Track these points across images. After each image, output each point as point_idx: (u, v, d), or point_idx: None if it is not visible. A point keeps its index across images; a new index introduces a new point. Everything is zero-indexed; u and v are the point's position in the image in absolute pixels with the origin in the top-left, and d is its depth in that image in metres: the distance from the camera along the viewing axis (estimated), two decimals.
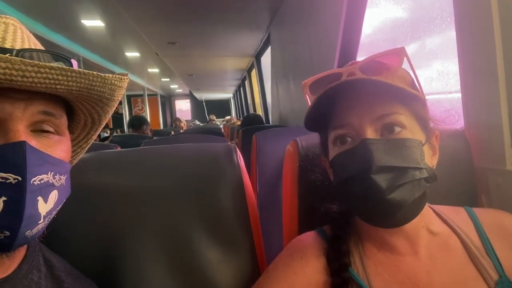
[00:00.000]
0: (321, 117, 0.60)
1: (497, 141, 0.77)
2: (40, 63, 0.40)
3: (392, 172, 0.51)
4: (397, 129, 0.54)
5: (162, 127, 12.72)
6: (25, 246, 0.51)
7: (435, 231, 0.60)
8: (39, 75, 0.40)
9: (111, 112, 0.55)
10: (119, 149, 1.33)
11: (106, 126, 10.46)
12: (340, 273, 0.57)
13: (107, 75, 0.46)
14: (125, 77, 0.49)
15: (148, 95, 12.33)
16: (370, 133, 0.54)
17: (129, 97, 13.86)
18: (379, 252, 0.60)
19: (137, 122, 3.61)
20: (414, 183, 0.53)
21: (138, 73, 9.48)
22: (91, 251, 0.65)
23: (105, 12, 4.20)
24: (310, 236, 0.65)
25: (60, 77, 0.41)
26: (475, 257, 0.58)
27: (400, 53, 0.57)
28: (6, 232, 0.40)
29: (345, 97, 0.57)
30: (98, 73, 0.45)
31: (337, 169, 0.57)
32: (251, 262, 0.71)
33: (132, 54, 6.81)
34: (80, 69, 0.43)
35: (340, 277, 0.57)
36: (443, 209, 0.64)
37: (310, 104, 0.62)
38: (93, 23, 4.62)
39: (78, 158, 0.60)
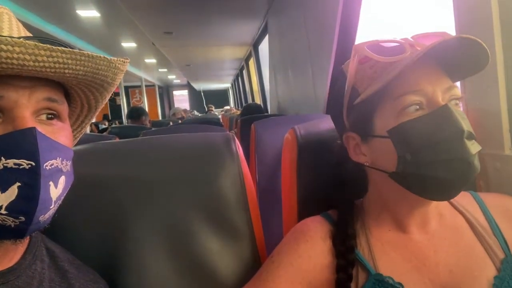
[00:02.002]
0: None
1: (495, 126, 0.77)
2: (53, 47, 0.40)
3: (472, 139, 0.53)
4: (457, 102, 0.56)
5: (160, 118, 12.69)
6: (28, 237, 0.51)
7: (443, 212, 0.62)
8: (50, 59, 0.40)
9: (108, 97, 0.55)
10: (117, 140, 1.33)
11: (105, 117, 10.46)
12: (346, 255, 0.58)
13: (112, 58, 0.47)
14: (127, 61, 0.50)
15: (146, 86, 12.28)
16: (442, 101, 0.53)
17: (126, 88, 13.80)
18: (390, 232, 0.61)
19: (136, 113, 3.60)
20: (477, 153, 0.54)
21: (135, 64, 9.42)
22: (91, 242, 0.65)
23: (100, 2, 4.16)
24: (315, 220, 0.65)
25: (69, 61, 0.42)
26: (481, 237, 0.59)
27: (445, 36, 0.56)
28: (22, 217, 0.41)
29: (417, 63, 0.53)
30: (105, 56, 0.45)
31: (411, 137, 0.53)
32: (251, 250, 0.72)
33: (128, 44, 6.75)
34: (88, 52, 0.43)
35: (345, 259, 0.58)
36: None
37: (353, 70, 0.59)
38: (89, 13, 4.57)
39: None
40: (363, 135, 0.61)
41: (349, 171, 0.67)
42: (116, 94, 13.40)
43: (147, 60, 8.84)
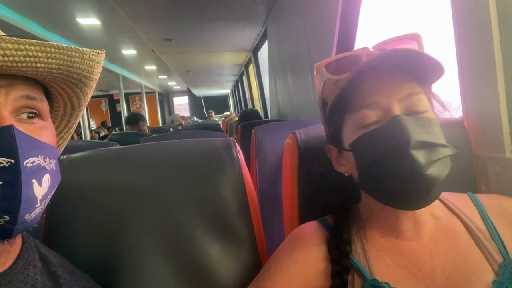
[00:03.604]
0: (341, 100, 0.58)
1: (495, 129, 0.77)
2: (20, 39, 0.40)
3: (427, 148, 0.51)
4: (422, 108, 0.55)
5: (160, 125, 12.72)
6: (20, 242, 0.51)
7: (438, 216, 0.61)
8: (19, 52, 0.40)
9: (90, 94, 0.54)
10: (118, 147, 1.33)
11: (103, 124, 10.47)
12: (341, 260, 0.58)
13: (85, 49, 0.46)
14: (102, 52, 0.49)
15: (146, 92, 12.30)
16: (398, 112, 0.53)
17: (127, 95, 13.84)
18: (383, 238, 0.60)
19: (134, 119, 3.60)
20: (444, 160, 0.53)
21: (135, 71, 9.45)
22: (90, 248, 0.65)
23: (101, 10, 4.18)
24: (311, 226, 0.65)
25: (40, 54, 0.41)
26: (479, 241, 0.58)
27: (417, 38, 0.58)
28: (6, 216, 0.40)
29: (369, 77, 0.55)
30: (77, 47, 0.45)
31: (365, 150, 0.55)
32: (252, 256, 0.72)
33: (128, 51, 6.77)
34: (58, 44, 0.43)
35: (340, 265, 0.58)
36: (446, 195, 0.65)
37: (320, 86, 0.62)
38: (89, 21, 4.59)
39: (61, 150, 0.59)
40: (338, 147, 0.62)
41: (344, 177, 0.67)
42: (116, 101, 13.45)
43: (147, 67, 8.87)
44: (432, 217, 0.60)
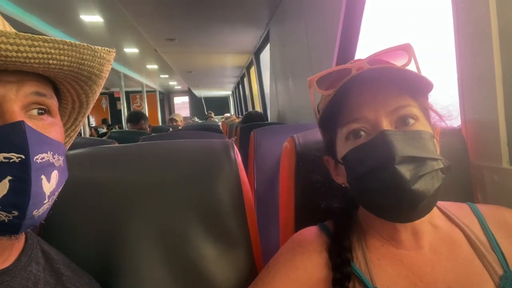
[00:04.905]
0: (330, 114, 0.60)
1: (493, 138, 0.77)
2: (34, 35, 0.40)
3: (414, 162, 0.51)
4: (411, 121, 0.55)
5: (160, 124, 12.72)
6: (24, 238, 0.51)
7: (438, 226, 0.61)
8: (32, 49, 0.40)
9: (98, 92, 0.55)
10: (116, 145, 1.33)
11: (104, 122, 10.48)
12: (342, 268, 0.57)
13: (96, 47, 0.46)
14: (113, 50, 0.50)
15: (147, 91, 12.32)
16: (386, 126, 0.53)
17: (127, 94, 13.85)
18: (383, 247, 0.60)
19: (135, 117, 3.59)
20: (433, 174, 0.52)
21: (137, 70, 9.47)
22: (88, 245, 0.65)
23: (104, 8, 4.20)
24: (312, 231, 0.65)
25: (53, 51, 0.42)
26: (480, 252, 0.58)
27: (407, 49, 0.58)
28: (15, 212, 0.40)
29: (357, 91, 0.56)
30: (89, 45, 0.45)
31: (353, 164, 0.56)
32: (247, 258, 0.72)
33: (131, 50, 6.79)
34: (71, 41, 0.43)
35: (341, 273, 0.57)
36: (446, 205, 0.65)
37: (313, 100, 0.63)
38: (92, 18, 4.61)
39: (67, 147, 0.60)
40: (334, 159, 0.63)
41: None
42: (117, 99, 13.45)
43: (149, 66, 8.88)
44: (432, 226, 0.60)
